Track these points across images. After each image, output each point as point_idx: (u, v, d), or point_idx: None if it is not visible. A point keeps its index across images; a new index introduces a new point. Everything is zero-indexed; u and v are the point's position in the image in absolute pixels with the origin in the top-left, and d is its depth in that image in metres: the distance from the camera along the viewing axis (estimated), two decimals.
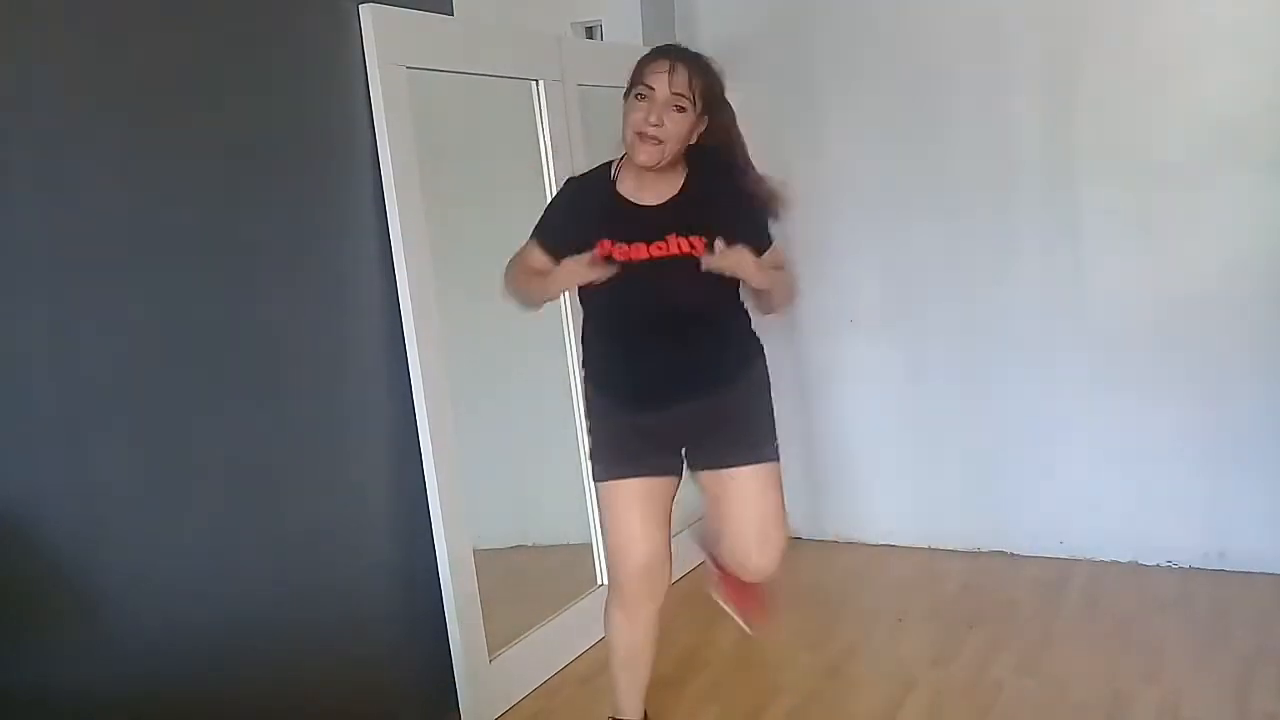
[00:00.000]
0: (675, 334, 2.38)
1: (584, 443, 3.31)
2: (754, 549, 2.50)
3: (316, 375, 2.54)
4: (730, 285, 2.38)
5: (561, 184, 2.62)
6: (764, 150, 3.86)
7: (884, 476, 3.87)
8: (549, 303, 2.52)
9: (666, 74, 2.28)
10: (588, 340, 2.56)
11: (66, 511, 2.07)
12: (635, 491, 2.46)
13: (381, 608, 2.70)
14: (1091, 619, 3.28)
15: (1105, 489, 3.61)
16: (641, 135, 2.29)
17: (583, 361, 2.60)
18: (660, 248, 2.32)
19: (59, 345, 2.04)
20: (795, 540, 4.04)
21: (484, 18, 3.45)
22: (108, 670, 2.10)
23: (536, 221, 2.52)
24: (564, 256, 2.37)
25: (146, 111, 2.15)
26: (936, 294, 3.65)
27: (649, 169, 2.32)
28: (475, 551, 2.87)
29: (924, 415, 3.74)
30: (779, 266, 2.45)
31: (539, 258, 2.45)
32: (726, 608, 2.71)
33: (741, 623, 2.71)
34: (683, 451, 2.51)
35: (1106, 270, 3.51)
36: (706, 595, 3.63)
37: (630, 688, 2.62)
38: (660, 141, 2.28)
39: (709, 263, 2.27)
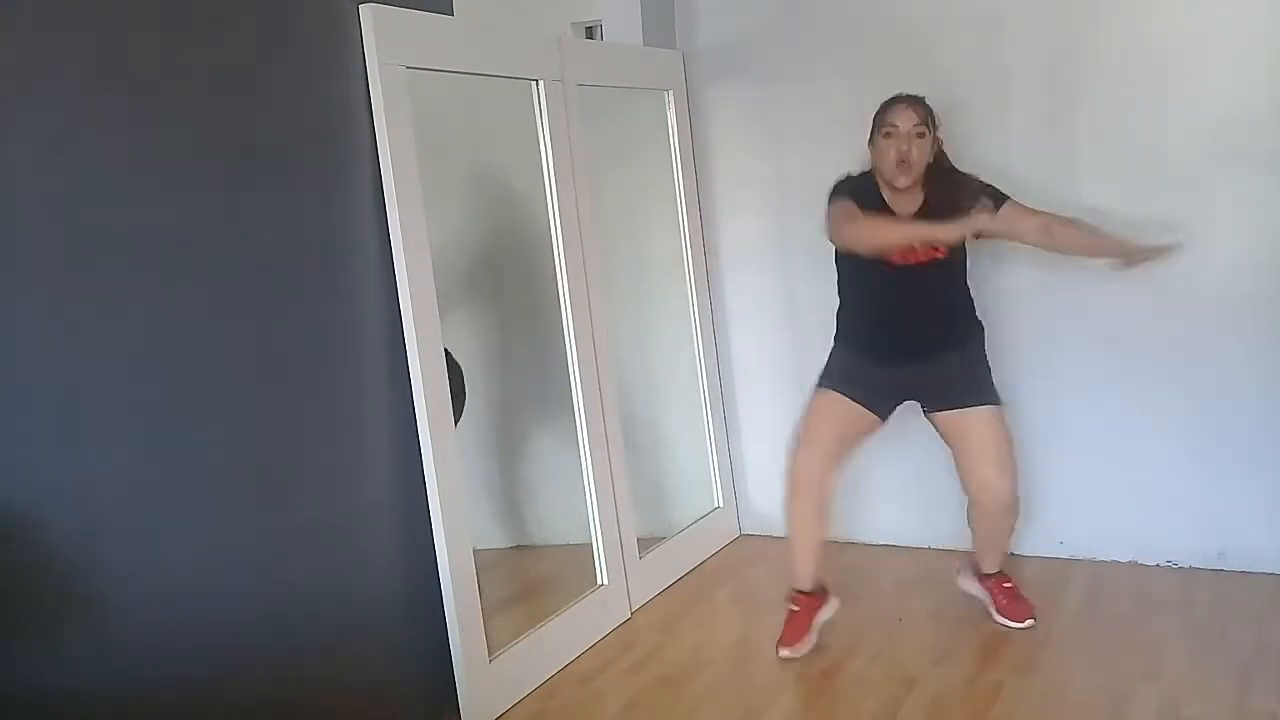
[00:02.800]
0: (917, 321, 3.06)
1: (584, 443, 3.35)
2: (994, 472, 3.05)
3: (316, 375, 2.54)
4: (960, 280, 3.10)
5: (843, 176, 3.09)
6: (765, 149, 3.91)
7: (884, 476, 3.86)
8: (889, 248, 2.99)
9: (903, 113, 2.98)
10: (847, 319, 3.18)
11: (66, 511, 2.07)
12: (842, 404, 3.10)
13: (381, 608, 2.70)
14: (1091, 619, 3.28)
15: (1105, 489, 3.61)
16: (900, 164, 2.95)
17: (838, 330, 3.20)
18: (918, 253, 2.97)
19: (59, 346, 2.04)
20: None
21: (484, 18, 3.46)
22: (108, 670, 2.10)
23: (835, 188, 3.05)
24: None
25: (146, 111, 2.15)
26: None
27: (905, 190, 2.99)
28: (475, 551, 2.87)
29: (922, 416, 3.74)
30: (1027, 216, 3.03)
31: (854, 210, 2.97)
32: (1000, 619, 3.23)
33: (1001, 618, 3.21)
34: (893, 405, 3.13)
35: (1106, 269, 3.50)
36: (708, 595, 3.64)
37: (802, 560, 3.17)
38: (913, 165, 2.96)
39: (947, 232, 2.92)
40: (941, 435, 3.16)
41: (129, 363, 2.14)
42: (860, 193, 3.01)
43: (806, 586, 3.17)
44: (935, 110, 3.05)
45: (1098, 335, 3.54)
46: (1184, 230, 3.39)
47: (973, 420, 3.06)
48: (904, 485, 3.89)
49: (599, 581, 3.38)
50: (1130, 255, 3.01)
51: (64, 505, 2.07)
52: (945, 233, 2.91)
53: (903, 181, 2.97)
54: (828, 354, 3.21)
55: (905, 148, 2.95)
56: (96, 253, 2.08)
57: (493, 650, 2.90)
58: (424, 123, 2.81)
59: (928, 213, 2.97)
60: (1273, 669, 2.86)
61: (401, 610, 2.74)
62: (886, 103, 3.04)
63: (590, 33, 4.02)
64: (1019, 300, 3.63)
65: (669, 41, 3.95)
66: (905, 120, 2.97)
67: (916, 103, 3.01)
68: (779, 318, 4.00)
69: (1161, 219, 3.43)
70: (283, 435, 2.44)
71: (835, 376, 3.14)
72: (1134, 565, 3.60)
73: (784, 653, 3.11)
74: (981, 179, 3.06)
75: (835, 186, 3.07)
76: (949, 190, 3.00)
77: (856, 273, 3.09)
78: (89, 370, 2.08)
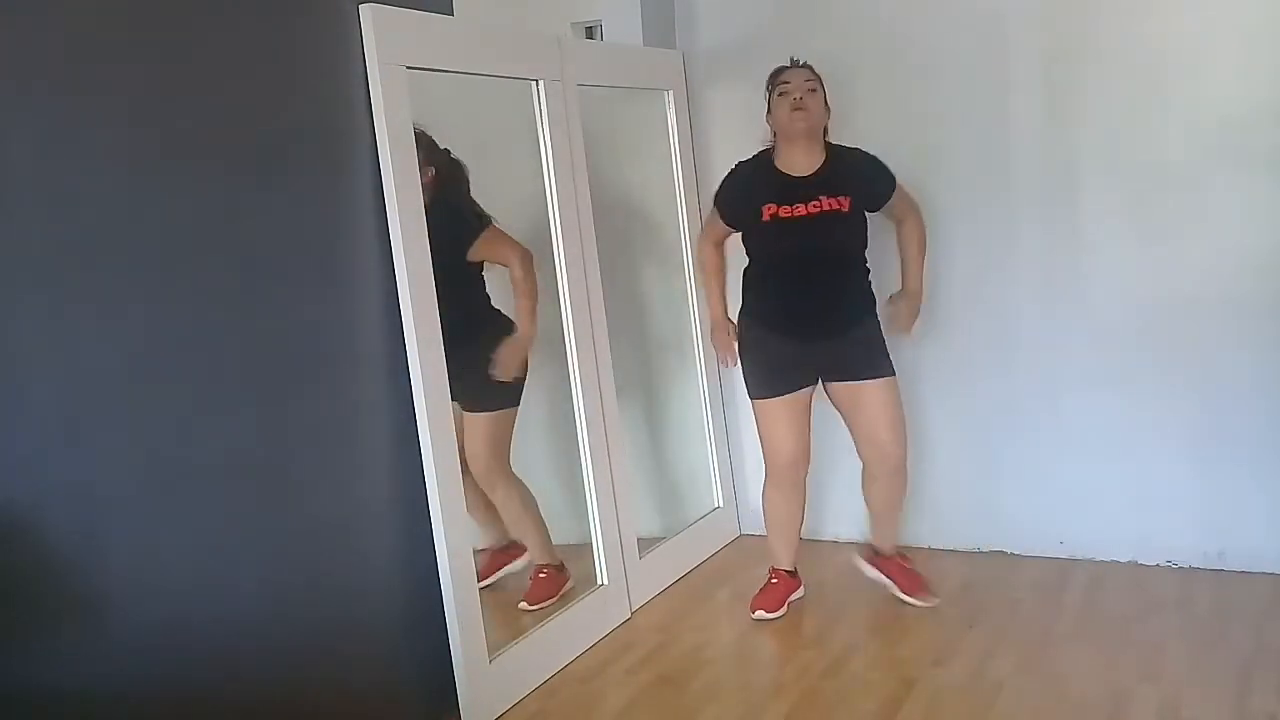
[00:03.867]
0: (820, 278, 3.22)
1: (584, 443, 3.35)
2: (887, 436, 3.27)
3: (316, 375, 2.54)
4: (860, 241, 3.23)
5: (733, 167, 3.37)
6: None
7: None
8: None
9: (796, 71, 3.21)
10: (750, 282, 3.35)
11: (66, 511, 2.07)
12: (781, 406, 3.28)
13: (381, 608, 2.70)
14: (1091, 619, 3.27)
15: (1105, 489, 3.61)
16: (794, 112, 3.14)
17: (743, 303, 3.36)
18: (824, 205, 3.16)
19: (59, 345, 2.04)
20: None
21: (484, 18, 3.46)
22: (108, 670, 2.11)
23: (716, 194, 3.40)
24: (733, 220, 3.31)
25: (146, 111, 2.15)
26: (936, 293, 3.64)
27: (804, 136, 3.17)
28: (475, 551, 2.87)
29: (924, 415, 3.74)
30: (906, 200, 3.33)
31: (720, 226, 3.36)
32: (907, 598, 3.38)
33: (906, 597, 3.38)
34: (812, 372, 3.30)
35: (1106, 270, 3.51)
36: (708, 595, 3.64)
37: (783, 546, 3.46)
38: (809, 111, 3.16)
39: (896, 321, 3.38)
40: (836, 405, 3.33)
41: (129, 363, 2.14)
42: (743, 185, 3.28)
43: (788, 566, 3.46)
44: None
45: (1097, 335, 3.54)
46: (1184, 230, 3.40)
47: (868, 390, 3.24)
48: None
49: (599, 581, 3.38)
50: (900, 314, 3.35)
51: (64, 505, 2.07)
52: (710, 310, 3.47)
53: (800, 125, 3.15)
54: (739, 344, 3.38)
55: (799, 96, 3.15)
56: (96, 253, 2.08)
57: (493, 650, 2.90)
58: (424, 123, 2.80)
59: (824, 177, 3.17)
60: (1273, 669, 2.86)
61: (401, 610, 2.74)
62: (775, 69, 3.25)
63: (590, 33, 4.02)
64: (1019, 299, 3.63)
65: (669, 42, 3.95)
66: (796, 77, 3.19)
67: (804, 66, 3.24)
68: None
69: (1161, 218, 3.44)
70: (283, 435, 2.44)
71: (758, 379, 3.33)
72: (1134, 565, 3.60)
73: (760, 614, 3.37)
74: (878, 160, 3.27)
75: (721, 183, 3.37)
76: (847, 165, 3.21)
77: (760, 237, 3.25)
78: (89, 370, 2.08)
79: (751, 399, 3.35)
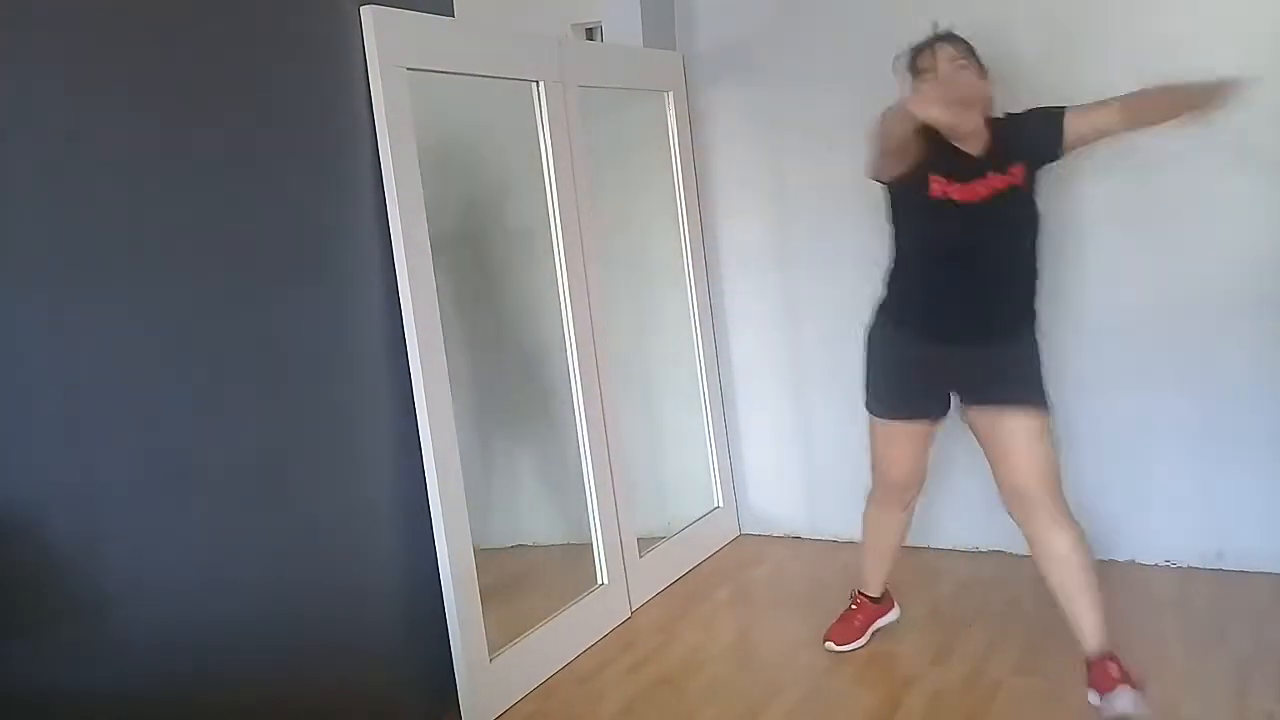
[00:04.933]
0: (987, 274, 2.69)
1: (584, 442, 3.35)
2: (1027, 479, 2.74)
3: (317, 375, 2.54)
4: (1034, 227, 2.73)
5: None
6: (764, 149, 3.91)
7: None
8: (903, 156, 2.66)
9: (937, 52, 2.72)
10: (896, 276, 2.86)
11: (67, 511, 2.07)
12: (900, 431, 2.93)
13: (381, 607, 2.70)
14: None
15: (1104, 489, 3.60)
16: (956, 101, 2.51)
17: (882, 300, 2.90)
18: (996, 181, 2.64)
19: (59, 345, 2.05)
20: (795, 540, 4.05)
21: (484, 18, 3.46)
22: (108, 670, 2.11)
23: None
24: (923, 153, 2.64)
25: (146, 111, 2.16)
26: None
27: (974, 130, 2.62)
28: (475, 551, 2.88)
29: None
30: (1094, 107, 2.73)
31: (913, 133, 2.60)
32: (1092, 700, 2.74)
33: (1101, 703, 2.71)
34: (951, 393, 2.85)
35: (1106, 270, 3.51)
36: (708, 595, 3.65)
37: (875, 569, 3.16)
38: (971, 95, 2.61)
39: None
40: (974, 433, 2.88)
41: (129, 363, 2.14)
42: (922, 133, 2.61)
43: (874, 592, 3.20)
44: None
45: (1096, 334, 3.54)
46: (1184, 230, 3.41)
47: (1009, 422, 2.74)
48: None
49: (599, 581, 3.38)
50: (1210, 101, 2.66)
51: (64, 505, 2.07)
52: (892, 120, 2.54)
53: (968, 118, 2.55)
54: (865, 343, 2.95)
55: (953, 80, 2.65)
56: (96, 253, 2.08)
57: (493, 650, 2.91)
58: (424, 123, 2.81)
59: (994, 153, 2.68)
60: (1272, 669, 2.86)
61: (401, 610, 2.75)
62: (912, 49, 2.78)
63: (590, 34, 4.02)
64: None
65: (669, 43, 3.95)
66: (938, 60, 2.70)
67: (949, 39, 2.73)
68: (779, 318, 4.00)
69: (1161, 218, 3.44)
70: (283, 435, 2.45)
71: (880, 394, 2.93)
72: (1133, 565, 3.60)
73: (830, 645, 3.15)
74: (1038, 109, 2.80)
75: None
76: (1012, 131, 2.72)
77: (920, 219, 2.73)
78: (89, 370, 2.08)
79: (868, 412, 2.98)
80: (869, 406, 2.97)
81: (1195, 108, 2.67)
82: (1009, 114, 2.79)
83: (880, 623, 3.20)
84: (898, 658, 3.10)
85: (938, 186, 2.65)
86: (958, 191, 2.64)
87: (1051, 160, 2.77)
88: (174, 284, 2.21)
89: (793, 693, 2.96)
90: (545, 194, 3.29)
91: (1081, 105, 2.75)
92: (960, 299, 2.72)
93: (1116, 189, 3.48)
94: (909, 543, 3.85)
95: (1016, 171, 2.68)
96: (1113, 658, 2.72)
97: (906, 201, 2.76)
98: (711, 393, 4.04)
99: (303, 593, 2.47)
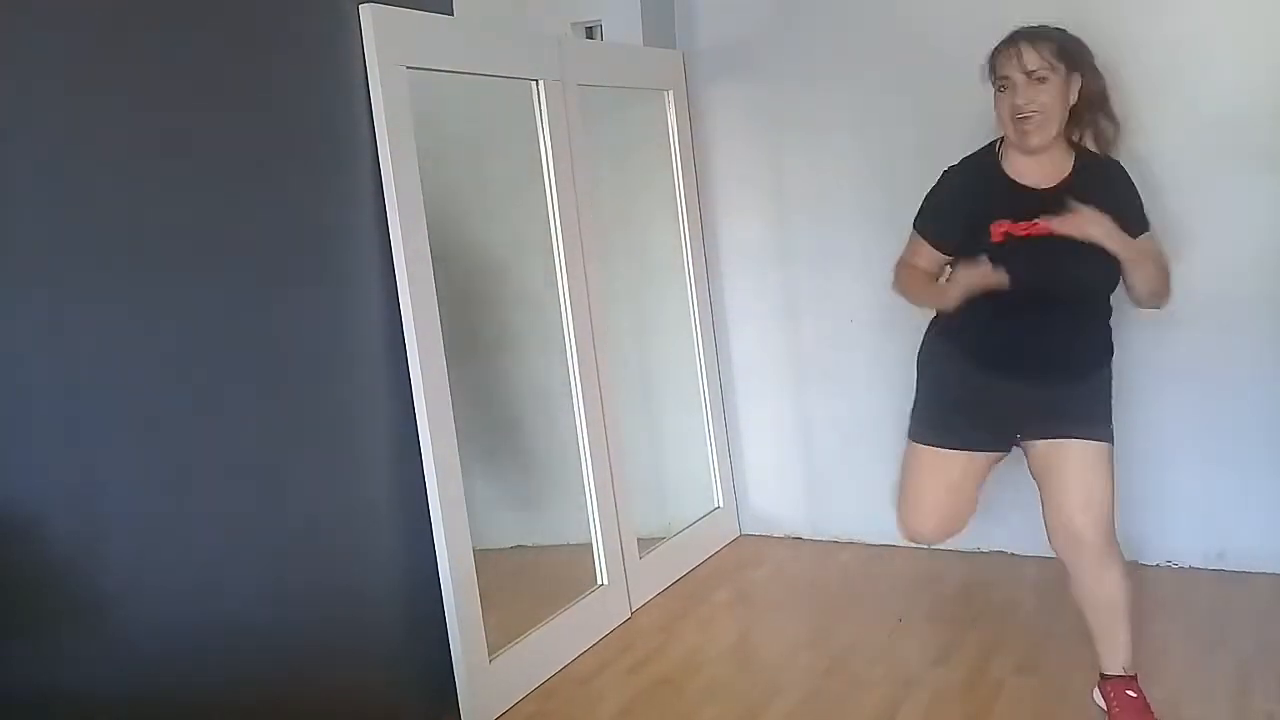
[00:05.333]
0: (1058, 313, 2.48)
1: (584, 443, 3.34)
2: (1077, 514, 2.52)
3: (316, 375, 2.54)
4: (1110, 278, 2.48)
5: (940, 175, 2.66)
6: (764, 147, 3.91)
7: (885, 476, 3.85)
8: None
9: (1016, 58, 2.45)
10: (971, 312, 2.53)
11: (67, 511, 2.07)
12: (939, 460, 2.62)
13: (381, 607, 2.70)
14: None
15: None
16: (1018, 121, 2.42)
17: (938, 321, 2.67)
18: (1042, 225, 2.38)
19: (59, 345, 2.04)
20: (795, 540, 4.05)
21: (484, 18, 3.46)
22: (108, 670, 2.10)
23: (917, 214, 2.62)
24: (953, 243, 2.52)
25: (146, 111, 2.15)
26: None
27: (1038, 150, 2.45)
28: (475, 551, 2.87)
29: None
30: (1146, 253, 2.48)
31: (926, 254, 2.59)
32: None
33: None
34: (1008, 432, 2.59)
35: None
36: (708, 595, 3.64)
37: None
38: (1038, 117, 2.41)
39: (1059, 224, 2.35)
40: (1031, 469, 2.63)
41: (129, 363, 2.14)
42: (961, 197, 2.56)
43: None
44: (1081, 45, 2.50)
45: None
46: (1184, 230, 3.40)
47: (1069, 451, 2.53)
48: None
49: (599, 581, 3.38)
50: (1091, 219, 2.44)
51: (64, 505, 2.07)
52: (941, 299, 2.50)
53: (1032, 142, 2.43)
54: (918, 356, 2.76)
55: (1021, 101, 2.43)
56: (96, 253, 2.08)
57: (493, 650, 2.90)
58: (424, 123, 2.81)
59: (1072, 189, 2.46)
60: (1272, 669, 2.86)
61: (401, 610, 2.74)
62: (998, 46, 2.53)
63: (590, 33, 4.02)
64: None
65: (669, 41, 3.95)
66: (1016, 66, 2.45)
67: (1036, 39, 2.46)
68: (779, 317, 4.00)
69: (1161, 218, 3.43)
70: (283, 435, 2.44)
71: (925, 417, 2.67)
72: (1134, 565, 3.59)
73: None
74: (1135, 190, 2.59)
75: (926, 199, 2.64)
76: (1101, 179, 2.51)
77: (975, 243, 2.49)
78: (89, 370, 2.08)
79: (909, 438, 2.72)
80: (913, 432, 2.71)
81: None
82: (1097, 156, 2.59)
83: None
84: (899, 658, 3.10)
85: (999, 231, 2.45)
86: (1023, 229, 2.43)
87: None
88: (174, 284, 2.21)
89: (793, 694, 2.96)
90: (545, 193, 3.28)
91: (1151, 238, 2.61)
92: (1034, 337, 2.51)
93: None
94: (909, 543, 3.86)
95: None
96: (1133, 681, 2.61)
97: (970, 249, 2.52)
98: (711, 392, 4.04)
99: (302, 593, 2.47)
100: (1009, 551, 3.76)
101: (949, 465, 2.63)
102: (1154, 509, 3.55)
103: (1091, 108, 2.58)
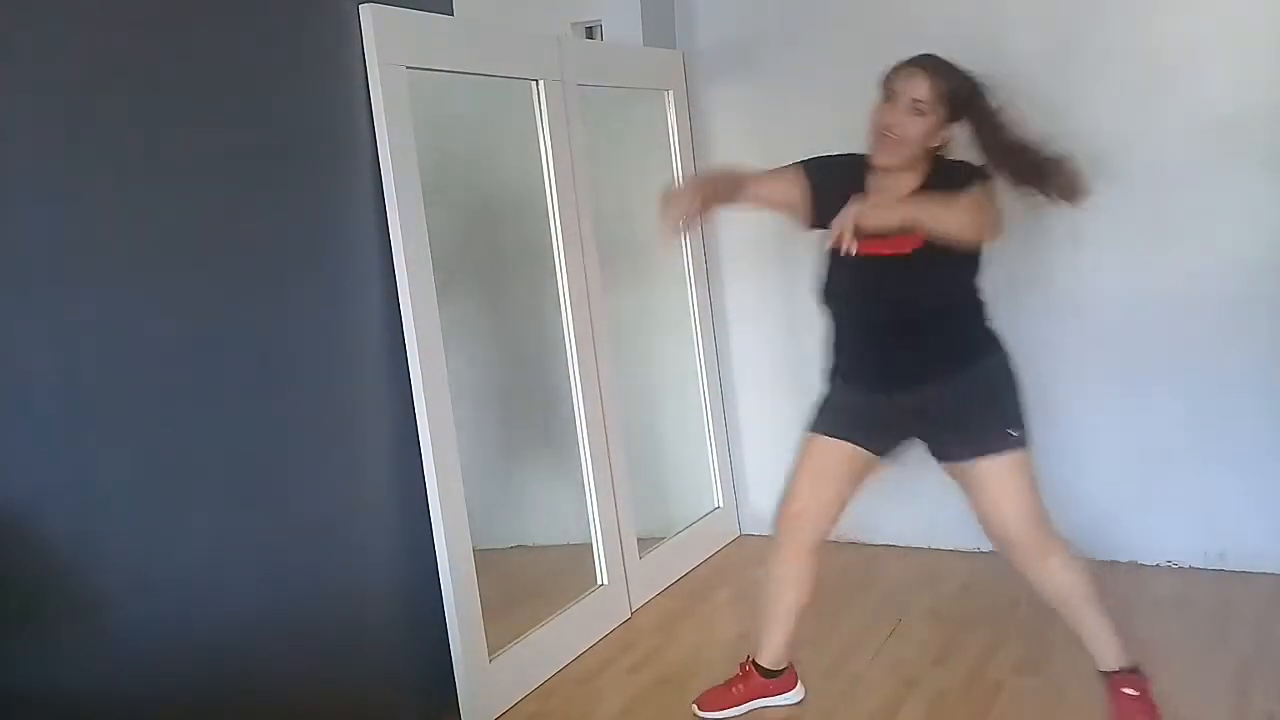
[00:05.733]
0: (897, 329, 2.51)
1: (584, 443, 3.35)
2: (1011, 528, 2.58)
3: (316, 374, 2.54)
4: (956, 286, 2.53)
5: (847, 150, 2.63)
6: (764, 147, 3.90)
7: (884, 476, 3.84)
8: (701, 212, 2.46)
9: (913, 80, 2.45)
10: (828, 327, 2.66)
11: (66, 511, 2.07)
12: (821, 447, 2.67)
13: (381, 607, 2.70)
14: None
15: (1105, 489, 3.60)
16: (881, 136, 2.46)
17: (829, 347, 2.70)
18: (888, 245, 2.36)
19: (59, 345, 2.04)
20: None
21: (484, 18, 3.46)
22: (107, 670, 2.10)
23: (807, 158, 2.65)
24: (813, 196, 2.56)
25: (146, 111, 2.15)
26: None
27: (885, 168, 2.48)
28: (475, 551, 2.87)
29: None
30: (929, 210, 2.36)
31: (785, 184, 2.59)
32: None
33: None
34: (891, 439, 2.66)
35: (1106, 270, 3.51)
36: (708, 595, 3.64)
37: (768, 626, 2.80)
38: (898, 142, 2.44)
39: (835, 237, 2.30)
40: (951, 475, 2.69)
41: (129, 362, 2.14)
42: (836, 174, 2.56)
43: (765, 662, 2.82)
44: (977, 94, 2.50)
45: (1095, 334, 3.54)
46: (1184, 230, 3.40)
47: (980, 471, 2.55)
48: (904, 485, 3.88)
49: (599, 581, 3.38)
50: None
51: (63, 505, 2.07)
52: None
53: (881, 158, 2.48)
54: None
55: (891, 120, 2.45)
56: (96, 252, 2.08)
57: (493, 650, 2.90)
58: (424, 123, 2.80)
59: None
60: (1273, 669, 2.86)
61: (401, 610, 2.74)
62: (905, 61, 2.52)
63: (590, 33, 4.02)
64: (1014, 297, 3.63)
65: (669, 41, 3.95)
66: (908, 89, 2.46)
67: (936, 73, 2.47)
68: (779, 317, 4.00)
69: (1161, 218, 3.44)
70: (283, 435, 2.44)
71: (820, 412, 2.71)
72: (1134, 565, 3.60)
73: (699, 712, 2.83)
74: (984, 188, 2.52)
75: (835, 154, 2.66)
76: (950, 183, 2.46)
77: (826, 269, 2.59)
78: (89, 370, 2.08)
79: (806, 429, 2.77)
80: (808, 425, 2.73)
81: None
82: (955, 169, 2.53)
83: (764, 702, 2.83)
84: (899, 659, 3.10)
85: (835, 237, 2.38)
86: (866, 244, 2.34)
87: (950, 269, 2.49)
88: (173, 283, 2.21)
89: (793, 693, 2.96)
90: (545, 193, 3.28)
91: (980, 192, 2.45)
92: (884, 349, 2.56)
93: (1116, 190, 3.47)
94: (910, 543, 3.87)
95: (905, 243, 2.37)
96: (1133, 674, 2.62)
97: (820, 227, 2.55)
98: (711, 392, 4.04)
99: (302, 593, 2.47)
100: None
101: (825, 451, 2.67)
102: (1154, 509, 3.56)
103: (1009, 155, 2.52)
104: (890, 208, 2.36)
